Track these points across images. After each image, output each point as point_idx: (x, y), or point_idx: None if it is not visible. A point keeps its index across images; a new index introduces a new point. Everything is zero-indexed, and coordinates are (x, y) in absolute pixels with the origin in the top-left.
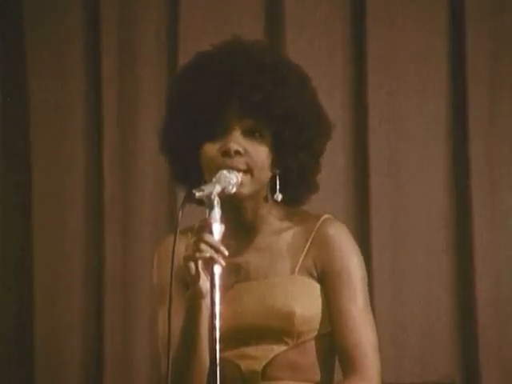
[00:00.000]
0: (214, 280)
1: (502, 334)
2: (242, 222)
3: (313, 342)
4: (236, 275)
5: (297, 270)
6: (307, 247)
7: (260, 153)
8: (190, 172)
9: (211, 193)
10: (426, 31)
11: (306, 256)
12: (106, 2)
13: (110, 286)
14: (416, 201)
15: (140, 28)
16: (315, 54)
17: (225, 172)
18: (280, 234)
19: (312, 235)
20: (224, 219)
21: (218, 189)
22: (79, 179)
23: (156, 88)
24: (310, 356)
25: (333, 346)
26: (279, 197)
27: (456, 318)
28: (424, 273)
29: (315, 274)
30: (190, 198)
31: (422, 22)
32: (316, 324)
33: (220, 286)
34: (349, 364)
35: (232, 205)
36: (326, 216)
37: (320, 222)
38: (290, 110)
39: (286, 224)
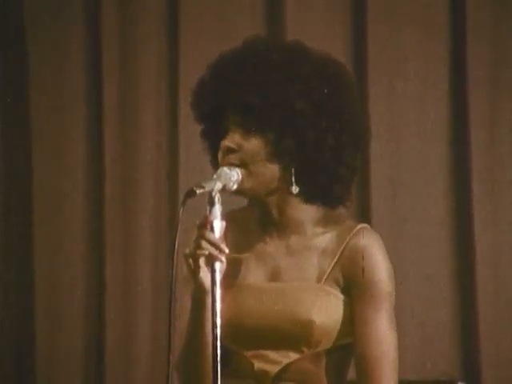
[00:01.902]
0: (214, 277)
1: (502, 332)
2: (271, 219)
3: (328, 353)
4: (266, 274)
5: (324, 278)
6: (338, 256)
7: (252, 146)
8: None
9: (212, 189)
10: (427, 35)
11: (335, 264)
12: (106, 2)
13: (110, 284)
14: (416, 203)
15: (140, 27)
16: None
17: (225, 169)
18: (313, 239)
19: (344, 244)
20: (258, 216)
21: (218, 185)
22: (80, 178)
23: (156, 86)
24: (323, 366)
25: (346, 357)
26: (295, 189)
27: (456, 316)
28: (425, 271)
29: (341, 283)
30: (190, 194)
31: (423, 25)
32: (334, 335)
33: (252, 283)
34: (367, 375)
35: (255, 201)
36: (361, 225)
37: (354, 231)
38: (267, 104)
39: (320, 229)
